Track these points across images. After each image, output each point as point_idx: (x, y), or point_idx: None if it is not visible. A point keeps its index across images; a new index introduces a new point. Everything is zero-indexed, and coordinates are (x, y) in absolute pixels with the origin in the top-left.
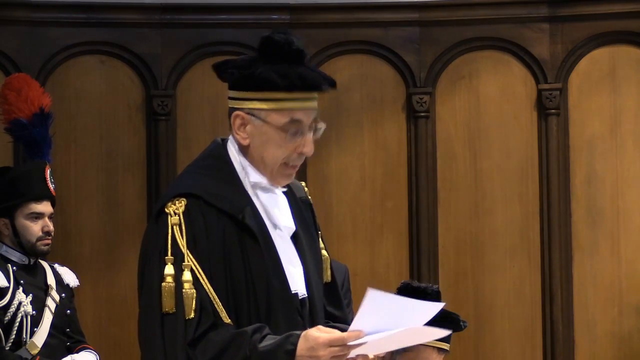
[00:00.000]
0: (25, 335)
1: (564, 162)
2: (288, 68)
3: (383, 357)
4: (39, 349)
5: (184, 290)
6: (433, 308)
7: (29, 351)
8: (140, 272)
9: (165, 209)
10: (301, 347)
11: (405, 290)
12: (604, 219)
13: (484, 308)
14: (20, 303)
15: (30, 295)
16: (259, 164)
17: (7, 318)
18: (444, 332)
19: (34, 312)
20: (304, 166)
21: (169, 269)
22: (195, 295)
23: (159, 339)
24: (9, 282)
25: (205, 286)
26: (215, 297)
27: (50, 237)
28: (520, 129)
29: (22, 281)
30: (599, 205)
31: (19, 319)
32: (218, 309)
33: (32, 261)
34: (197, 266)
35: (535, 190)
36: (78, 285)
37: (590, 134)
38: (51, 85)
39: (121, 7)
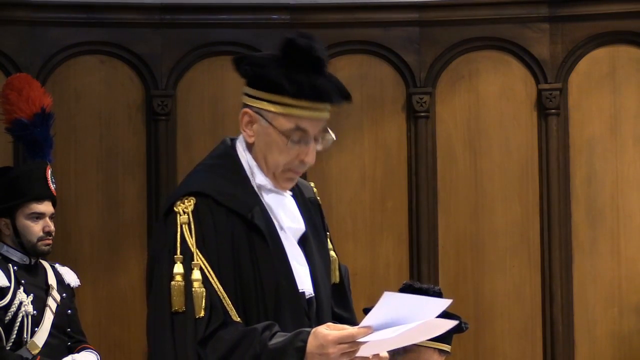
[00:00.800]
0: (26, 335)
1: (564, 162)
2: (303, 75)
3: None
4: (39, 349)
5: (193, 289)
6: (442, 304)
7: (29, 351)
8: (149, 270)
9: (174, 208)
10: (311, 344)
11: (407, 291)
12: (604, 219)
13: (483, 308)
14: (21, 303)
15: (31, 295)
16: (262, 164)
17: (7, 318)
18: (452, 323)
19: (34, 312)
20: None
21: (178, 268)
22: (204, 294)
23: (169, 338)
24: (9, 282)
25: (214, 285)
26: (225, 295)
27: (51, 237)
28: (520, 129)
29: (23, 281)
30: (599, 205)
31: (19, 319)
32: (227, 308)
33: (33, 261)
34: (207, 265)
35: (535, 190)
36: (79, 285)
37: (590, 134)
38: (51, 85)
39: (121, 7)
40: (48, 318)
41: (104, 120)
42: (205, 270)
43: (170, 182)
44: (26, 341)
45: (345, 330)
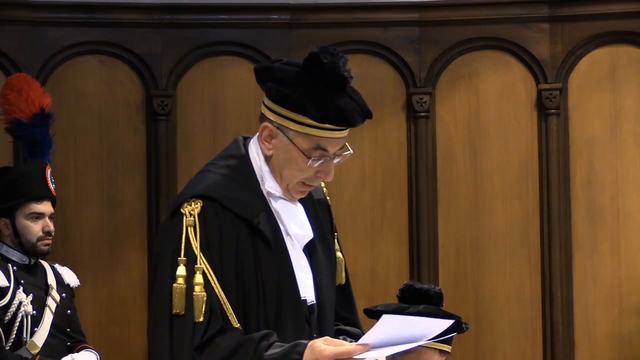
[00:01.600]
0: (26, 335)
1: (564, 162)
2: (326, 97)
3: None
4: (39, 349)
5: (194, 293)
6: (442, 325)
7: (29, 351)
8: (153, 269)
9: (181, 209)
10: (307, 357)
11: (408, 292)
12: (604, 219)
13: (483, 308)
14: (20, 303)
15: (31, 295)
16: (277, 176)
17: (7, 318)
18: (447, 323)
19: (34, 311)
20: None
21: (181, 270)
22: (205, 298)
23: (167, 340)
24: (9, 281)
25: (216, 289)
26: (226, 300)
27: (50, 237)
28: (520, 129)
29: (22, 281)
30: (599, 205)
31: (19, 319)
32: (228, 313)
33: (33, 261)
34: (209, 269)
35: (535, 190)
36: (79, 285)
37: (590, 134)
38: (51, 85)
39: (121, 7)
40: (48, 318)
41: (104, 120)
42: (208, 275)
43: (170, 182)
44: (26, 341)
45: (343, 346)
